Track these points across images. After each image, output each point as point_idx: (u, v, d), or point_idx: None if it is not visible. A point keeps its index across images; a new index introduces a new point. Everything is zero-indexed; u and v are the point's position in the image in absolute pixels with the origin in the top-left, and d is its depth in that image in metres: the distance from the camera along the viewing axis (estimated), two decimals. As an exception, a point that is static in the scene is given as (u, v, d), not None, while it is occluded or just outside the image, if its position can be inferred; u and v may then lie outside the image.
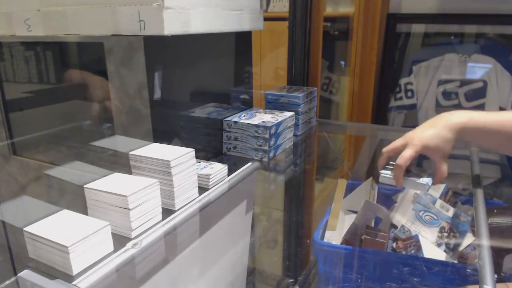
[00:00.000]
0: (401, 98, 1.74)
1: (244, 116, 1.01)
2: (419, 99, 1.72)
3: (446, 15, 1.67)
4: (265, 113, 1.06)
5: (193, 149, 0.69)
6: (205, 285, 0.78)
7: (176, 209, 0.67)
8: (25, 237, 0.54)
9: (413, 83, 1.72)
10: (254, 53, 1.18)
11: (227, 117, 1.00)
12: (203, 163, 0.80)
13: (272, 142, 0.96)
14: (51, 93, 0.95)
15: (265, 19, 1.09)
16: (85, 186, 0.60)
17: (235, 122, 0.97)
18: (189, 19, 0.77)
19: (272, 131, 0.95)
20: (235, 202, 0.86)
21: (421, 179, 0.76)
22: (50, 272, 0.52)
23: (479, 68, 1.61)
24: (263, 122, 0.96)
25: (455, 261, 0.84)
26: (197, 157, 0.70)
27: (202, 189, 0.75)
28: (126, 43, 0.76)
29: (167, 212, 0.66)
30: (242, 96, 1.13)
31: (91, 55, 0.87)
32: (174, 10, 0.72)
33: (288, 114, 1.05)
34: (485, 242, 0.66)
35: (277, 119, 0.99)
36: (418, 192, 0.94)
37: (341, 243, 0.90)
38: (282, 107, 1.15)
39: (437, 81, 1.68)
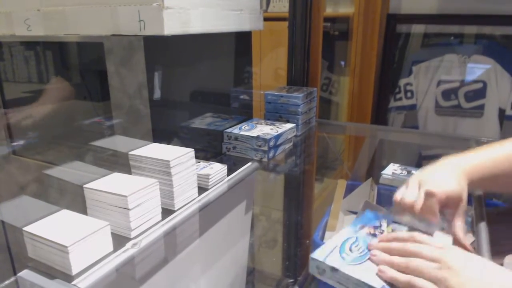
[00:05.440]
0: (400, 99, 1.74)
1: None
2: (419, 100, 1.72)
3: (446, 15, 1.67)
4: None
5: (193, 149, 0.69)
6: (204, 285, 0.78)
7: (175, 209, 0.67)
8: (24, 237, 0.54)
9: (412, 84, 1.72)
10: (254, 53, 1.18)
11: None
12: (202, 163, 0.80)
13: (271, 145, 0.97)
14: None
15: (265, 19, 1.09)
16: (84, 186, 0.60)
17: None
18: (189, 19, 0.77)
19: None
20: (235, 202, 0.86)
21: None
22: (50, 272, 0.52)
23: (479, 68, 1.61)
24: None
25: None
26: (196, 157, 0.70)
27: (201, 189, 0.75)
28: (126, 43, 0.75)
29: (166, 212, 0.66)
30: (241, 97, 1.13)
31: (91, 55, 0.87)
32: (174, 10, 0.72)
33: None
34: (485, 242, 0.66)
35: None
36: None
37: (341, 244, 0.90)
38: (282, 108, 1.15)
39: (436, 81, 1.68)
